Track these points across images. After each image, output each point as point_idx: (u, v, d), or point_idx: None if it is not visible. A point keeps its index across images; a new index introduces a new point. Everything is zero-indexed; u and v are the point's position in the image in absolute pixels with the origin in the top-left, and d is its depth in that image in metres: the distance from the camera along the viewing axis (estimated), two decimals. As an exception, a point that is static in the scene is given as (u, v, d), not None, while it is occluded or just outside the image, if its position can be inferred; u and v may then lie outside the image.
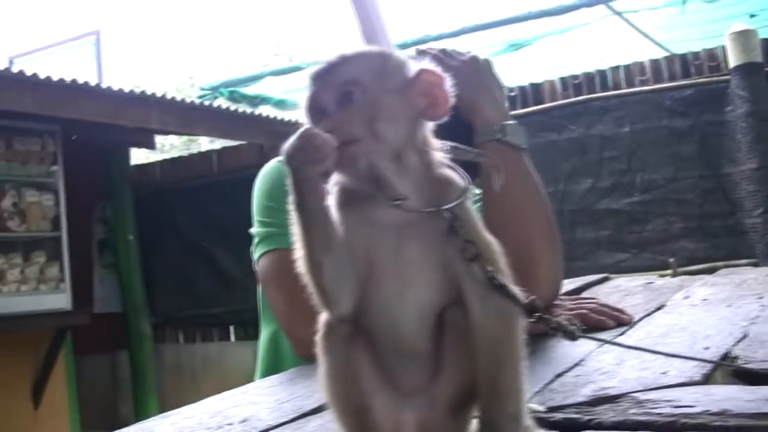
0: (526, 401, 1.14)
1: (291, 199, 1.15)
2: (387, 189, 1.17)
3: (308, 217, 1.14)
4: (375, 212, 1.18)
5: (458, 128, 1.25)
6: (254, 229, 2.43)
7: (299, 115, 1.27)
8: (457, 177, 1.21)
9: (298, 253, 1.18)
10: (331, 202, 1.19)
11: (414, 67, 1.25)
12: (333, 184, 1.22)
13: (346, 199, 1.20)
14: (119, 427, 1.60)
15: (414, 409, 1.14)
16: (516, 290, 1.12)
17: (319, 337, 1.18)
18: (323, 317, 1.19)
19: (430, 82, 1.22)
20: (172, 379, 9.80)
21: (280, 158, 2.56)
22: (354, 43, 2.30)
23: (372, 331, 1.17)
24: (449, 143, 1.28)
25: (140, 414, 8.56)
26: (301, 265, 1.17)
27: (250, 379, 2.34)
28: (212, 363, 9.69)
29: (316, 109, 1.23)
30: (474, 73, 2.27)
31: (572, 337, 1.18)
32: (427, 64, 1.24)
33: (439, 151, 1.24)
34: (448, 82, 1.22)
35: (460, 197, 1.17)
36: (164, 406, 7.67)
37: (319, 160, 1.12)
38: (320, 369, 1.18)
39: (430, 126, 1.25)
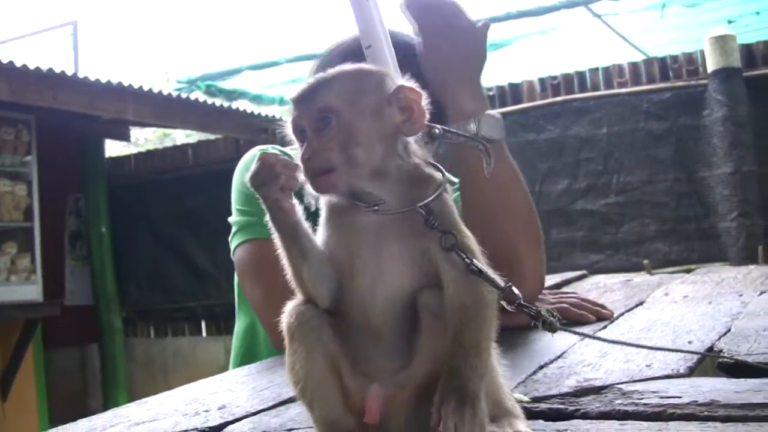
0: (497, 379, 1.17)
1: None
2: (367, 197, 1.21)
3: (280, 230, 1.21)
4: (355, 217, 1.22)
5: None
6: (232, 218, 2.40)
7: (282, 120, 1.31)
8: (435, 173, 1.25)
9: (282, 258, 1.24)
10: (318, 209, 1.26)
11: (392, 82, 1.26)
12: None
13: (330, 207, 1.25)
14: (88, 421, 1.57)
15: (382, 387, 1.15)
16: (494, 275, 1.15)
17: (289, 322, 1.21)
18: (294, 303, 1.23)
19: (407, 99, 1.23)
20: (143, 373, 9.74)
21: (260, 147, 2.54)
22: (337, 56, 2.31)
23: (345, 317, 1.21)
24: (442, 126, 1.29)
25: (109, 408, 8.47)
26: (284, 266, 1.23)
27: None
28: (183, 358, 9.63)
29: (299, 132, 1.25)
30: (475, 43, 2.24)
31: (551, 328, 1.20)
32: (406, 81, 1.25)
33: (418, 153, 1.27)
34: (425, 99, 1.24)
35: (434, 192, 1.20)
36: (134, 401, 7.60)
37: (274, 178, 1.17)
38: (288, 353, 1.20)
39: (408, 140, 1.26)
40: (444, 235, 1.17)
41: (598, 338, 1.53)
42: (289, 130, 1.28)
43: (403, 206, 1.20)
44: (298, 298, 1.24)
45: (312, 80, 1.27)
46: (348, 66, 1.31)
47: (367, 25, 1.80)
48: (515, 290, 1.18)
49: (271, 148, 2.43)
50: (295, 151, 1.24)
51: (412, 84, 1.24)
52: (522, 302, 1.19)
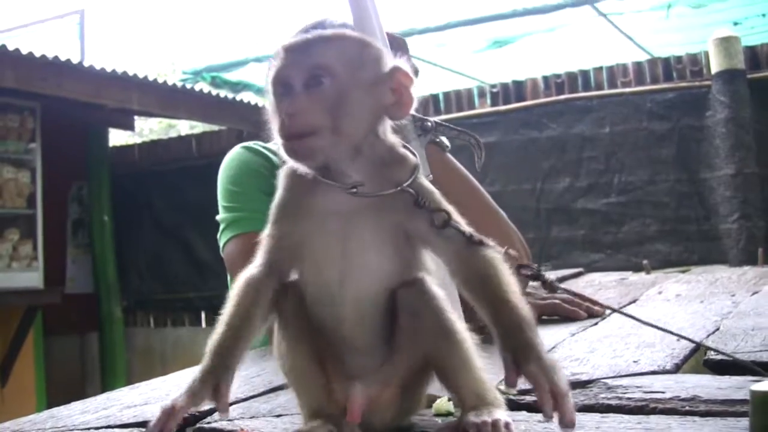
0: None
1: None
2: (340, 177, 1.19)
3: None
4: (319, 202, 1.20)
5: None
6: (220, 216, 2.41)
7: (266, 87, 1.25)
8: (409, 155, 1.25)
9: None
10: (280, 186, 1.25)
11: (388, 62, 1.24)
12: (285, 170, 1.24)
13: (288, 189, 1.24)
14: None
15: (364, 387, 1.16)
16: (493, 244, 1.17)
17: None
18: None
19: (400, 82, 1.21)
20: (142, 363, 9.74)
21: (243, 144, 2.56)
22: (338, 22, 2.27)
23: (317, 315, 1.21)
24: (434, 119, 1.29)
25: (108, 396, 8.50)
26: None
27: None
28: (183, 348, 9.63)
29: (282, 83, 1.20)
30: None
31: (551, 288, 1.26)
32: (402, 63, 1.23)
33: (392, 137, 1.26)
34: (415, 86, 1.23)
35: (413, 174, 1.21)
36: (133, 389, 7.62)
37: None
38: (276, 341, 1.23)
39: (389, 122, 1.25)
40: (435, 213, 1.17)
41: (625, 314, 1.53)
42: (269, 79, 1.23)
43: (379, 187, 1.18)
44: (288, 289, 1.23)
45: (312, 35, 1.23)
46: (350, 32, 1.30)
47: (360, 14, 1.80)
48: (512, 252, 1.20)
49: (254, 145, 2.45)
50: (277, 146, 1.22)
51: (407, 68, 1.23)
52: (522, 263, 1.21)
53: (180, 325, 9.87)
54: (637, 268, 6.21)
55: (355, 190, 1.17)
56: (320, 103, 1.16)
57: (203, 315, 9.69)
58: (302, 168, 1.20)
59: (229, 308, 1.21)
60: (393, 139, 1.26)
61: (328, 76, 1.17)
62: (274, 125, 1.20)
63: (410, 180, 1.20)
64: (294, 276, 1.25)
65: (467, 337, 1.16)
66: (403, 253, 1.20)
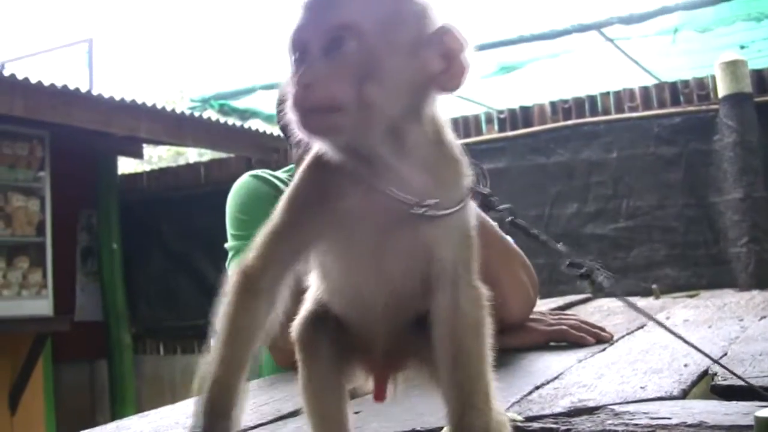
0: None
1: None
2: (382, 171, 0.98)
3: None
4: (348, 202, 1.00)
5: None
6: (228, 244, 2.42)
7: (282, 50, 1.04)
8: (458, 148, 1.07)
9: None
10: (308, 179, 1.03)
11: (436, 19, 1.00)
12: (316, 155, 1.03)
13: (309, 181, 1.02)
14: (96, 437, 1.59)
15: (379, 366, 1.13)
16: (552, 241, 1.10)
17: (295, 339, 1.15)
18: (298, 320, 1.15)
19: (451, 45, 0.99)
20: (151, 390, 9.73)
21: (252, 172, 2.57)
22: None
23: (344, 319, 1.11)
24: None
25: (117, 424, 8.49)
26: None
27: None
28: (192, 375, 9.48)
29: (300, 47, 0.99)
30: None
31: (599, 289, 1.15)
32: (450, 20, 1.00)
33: (448, 128, 1.06)
34: (470, 51, 1.00)
35: (466, 180, 1.04)
36: (142, 417, 7.61)
37: None
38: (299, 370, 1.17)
39: (438, 98, 1.04)
40: (504, 210, 1.09)
41: (663, 325, 1.52)
42: (286, 43, 1.01)
43: (424, 189, 0.98)
44: (303, 311, 1.15)
45: None
46: None
47: None
48: (560, 247, 1.14)
49: (262, 173, 2.46)
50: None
51: (458, 28, 1.00)
52: (572, 261, 1.16)
53: (189, 352, 9.85)
54: (646, 293, 6.21)
55: (424, 210, 0.97)
56: (343, 69, 0.94)
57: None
58: (326, 148, 0.99)
59: (226, 330, 1.07)
60: (441, 122, 1.05)
61: (353, 37, 0.94)
62: (288, 101, 0.97)
63: (468, 193, 1.03)
64: (304, 282, 1.12)
65: (489, 362, 1.06)
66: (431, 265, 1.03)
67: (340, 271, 1.07)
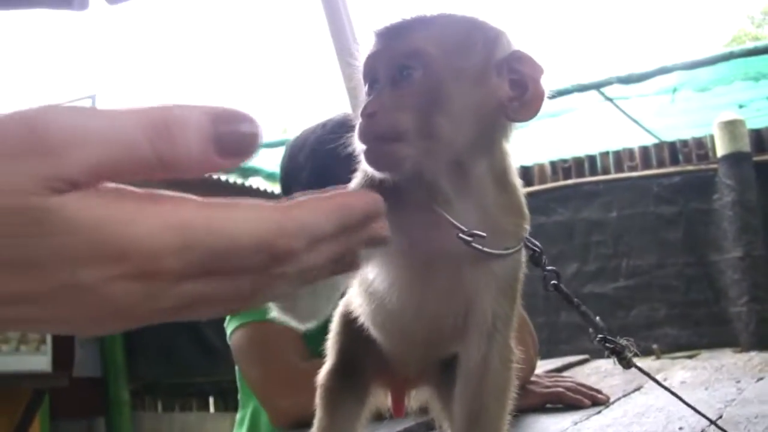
0: None
1: None
2: (441, 201, 0.95)
3: None
4: (409, 228, 0.93)
5: None
6: None
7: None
8: (523, 195, 1.06)
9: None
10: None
11: (509, 45, 0.98)
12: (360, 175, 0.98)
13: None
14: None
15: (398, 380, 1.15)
16: (591, 314, 1.11)
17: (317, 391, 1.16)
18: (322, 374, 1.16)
19: (525, 71, 0.96)
20: (149, 448, 9.66)
21: None
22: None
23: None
24: None
25: (114, 482, 8.43)
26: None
27: (228, 451, 2.31)
28: (189, 433, 9.55)
29: (371, 76, 0.97)
30: None
31: (627, 364, 1.18)
32: (524, 47, 0.97)
33: (514, 170, 1.03)
34: (545, 77, 0.97)
35: (524, 229, 1.03)
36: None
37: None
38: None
39: (509, 128, 1.01)
40: (549, 273, 1.06)
41: (663, 386, 1.52)
42: (360, 70, 0.99)
43: (485, 230, 0.93)
44: (325, 367, 1.16)
45: (408, 16, 0.96)
46: (460, 14, 0.99)
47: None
48: (599, 321, 1.13)
49: None
50: None
51: (532, 54, 0.97)
52: (607, 336, 1.14)
53: (188, 409, 9.79)
54: (646, 353, 6.18)
55: (470, 239, 0.93)
56: (408, 99, 0.91)
57: (211, 400, 9.62)
58: (391, 177, 0.93)
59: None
60: (509, 162, 1.02)
61: (420, 65, 0.92)
62: (355, 131, 0.94)
63: (520, 241, 1.00)
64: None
65: (506, 423, 1.08)
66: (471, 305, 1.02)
67: (385, 293, 1.04)
